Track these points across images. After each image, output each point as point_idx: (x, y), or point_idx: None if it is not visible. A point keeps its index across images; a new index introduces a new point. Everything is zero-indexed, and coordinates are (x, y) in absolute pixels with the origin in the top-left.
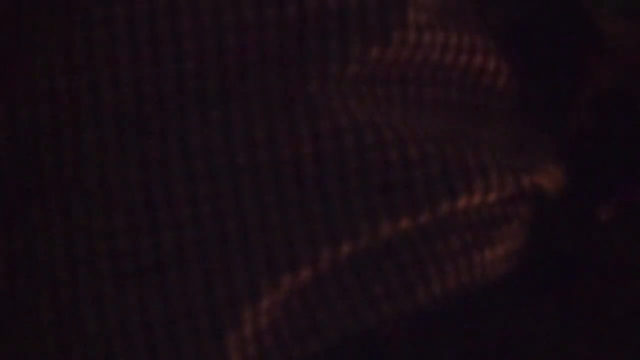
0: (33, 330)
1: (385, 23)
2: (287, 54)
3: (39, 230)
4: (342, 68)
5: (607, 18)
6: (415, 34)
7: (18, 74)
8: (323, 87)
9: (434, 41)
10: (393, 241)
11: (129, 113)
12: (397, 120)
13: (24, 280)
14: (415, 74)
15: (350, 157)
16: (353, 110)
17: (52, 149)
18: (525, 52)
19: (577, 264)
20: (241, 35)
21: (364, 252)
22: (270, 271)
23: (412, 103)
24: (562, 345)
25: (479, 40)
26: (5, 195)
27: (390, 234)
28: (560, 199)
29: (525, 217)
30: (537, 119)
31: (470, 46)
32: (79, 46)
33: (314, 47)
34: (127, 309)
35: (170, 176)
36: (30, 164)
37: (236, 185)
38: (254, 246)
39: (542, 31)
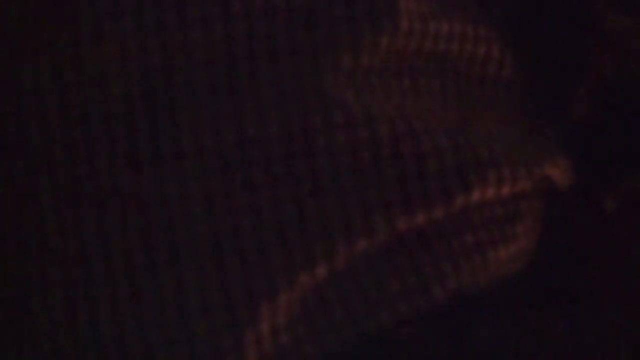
0: (48, 330)
1: (393, 10)
2: (297, 43)
3: (52, 228)
4: (355, 59)
5: (609, 13)
6: (420, 23)
7: (26, 66)
8: (336, 79)
9: (438, 30)
10: (408, 237)
11: (138, 106)
12: (409, 112)
13: (38, 282)
14: (424, 65)
15: (365, 150)
16: (366, 103)
17: (64, 145)
18: (526, 43)
19: (584, 258)
20: (250, 24)
21: (379, 249)
22: (287, 267)
23: (423, 95)
24: (572, 343)
25: (482, 30)
26: (16, 192)
27: (406, 230)
28: (569, 191)
29: (537, 214)
30: (542, 110)
31: (474, 36)
32: (87, 39)
33: (323, 37)
34: (142, 306)
35: (183, 171)
36: (42, 162)
37: (250, 179)
38: (269, 241)
39: (542, 21)
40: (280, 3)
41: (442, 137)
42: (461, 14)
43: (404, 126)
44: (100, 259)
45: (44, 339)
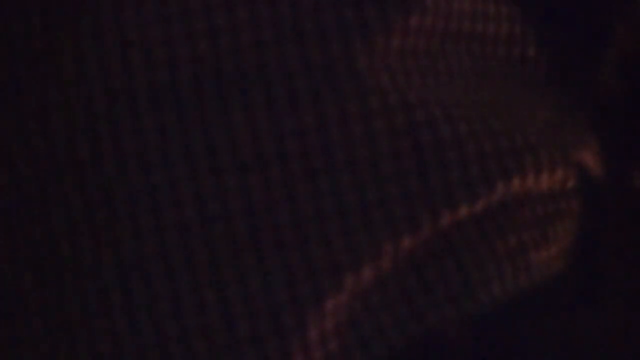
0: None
1: None
2: (324, 26)
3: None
4: (386, 41)
5: None
6: (444, 1)
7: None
8: (370, 63)
9: (462, 8)
10: (452, 237)
11: (164, 96)
12: (444, 96)
13: (72, 289)
14: (454, 47)
15: (403, 137)
16: (401, 87)
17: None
18: (548, 20)
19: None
20: (274, 6)
21: (424, 250)
22: (332, 270)
23: (455, 77)
24: (618, 344)
25: (503, 8)
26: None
27: (449, 226)
28: (603, 177)
29: (576, 213)
30: (569, 89)
31: (496, 14)
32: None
33: (352, 18)
34: (184, 312)
35: (218, 166)
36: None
37: (288, 174)
38: (311, 240)
39: None
40: None
41: (477, 122)
42: None
43: (440, 111)
44: (135, 263)
45: None
